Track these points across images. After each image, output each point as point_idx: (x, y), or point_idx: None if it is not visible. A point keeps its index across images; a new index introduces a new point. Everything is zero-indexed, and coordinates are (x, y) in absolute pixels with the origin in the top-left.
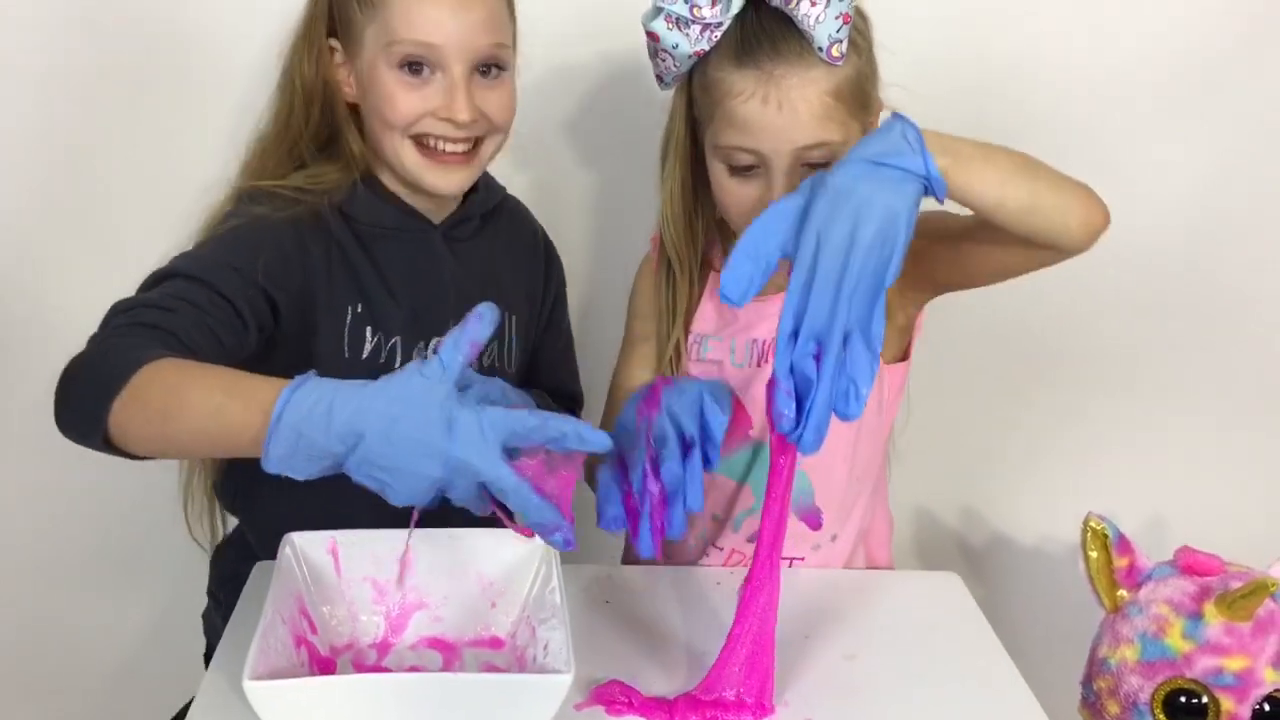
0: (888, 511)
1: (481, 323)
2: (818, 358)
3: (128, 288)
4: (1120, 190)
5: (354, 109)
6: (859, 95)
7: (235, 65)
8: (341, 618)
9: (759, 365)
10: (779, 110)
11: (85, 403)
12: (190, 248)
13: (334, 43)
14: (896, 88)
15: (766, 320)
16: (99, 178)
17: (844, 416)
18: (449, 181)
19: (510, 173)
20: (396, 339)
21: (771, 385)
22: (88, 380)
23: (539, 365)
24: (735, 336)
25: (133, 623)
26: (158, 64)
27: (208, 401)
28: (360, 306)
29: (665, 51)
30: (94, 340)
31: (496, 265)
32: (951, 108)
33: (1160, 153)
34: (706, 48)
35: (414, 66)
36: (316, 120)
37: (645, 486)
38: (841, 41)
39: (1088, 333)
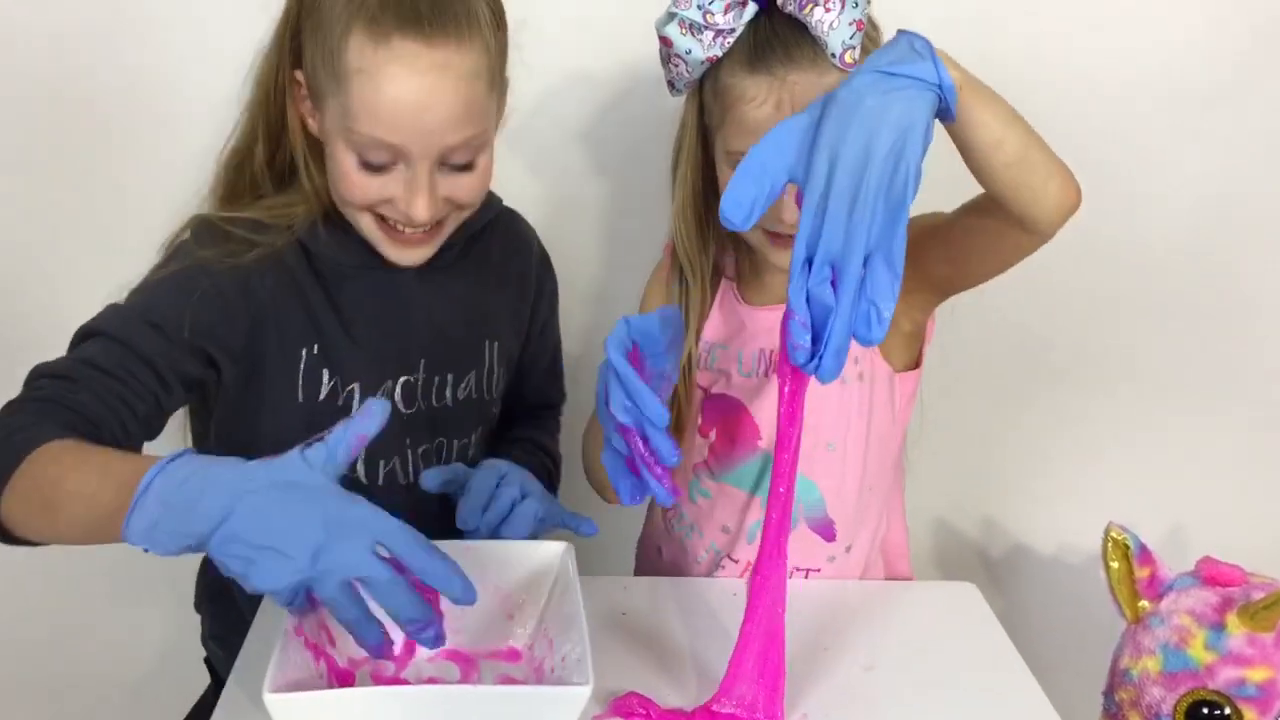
0: (904, 521)
1: (370, 419)
2: (835, 285)
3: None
4: (1136, 194)
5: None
6: None
7: (229, 72)
8: None
9: (766, 375)
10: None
11: None
12: (129, 291)
13: (299, 76)
14: None
15: (775, 329)
16: (98, 180)
17: (865, 341)
18: (409, 257)
19: (523, 180)
20: (355, 384)
21: (786, 317)
22: None
23: (525, 377)
24: (743, 346)
25: (151, 629)
26: (155, 64)
27: (83, 487)
28: (316, 348)
29: (678, 57)
30: (4, 410)
31: (480, 290)
32: None
33: (1163, 154)
34: (719, 54)
35: (374, 164)
36: (282, 147)
37: (627, 441)
38: (855, 48)
39: (1106, 340)
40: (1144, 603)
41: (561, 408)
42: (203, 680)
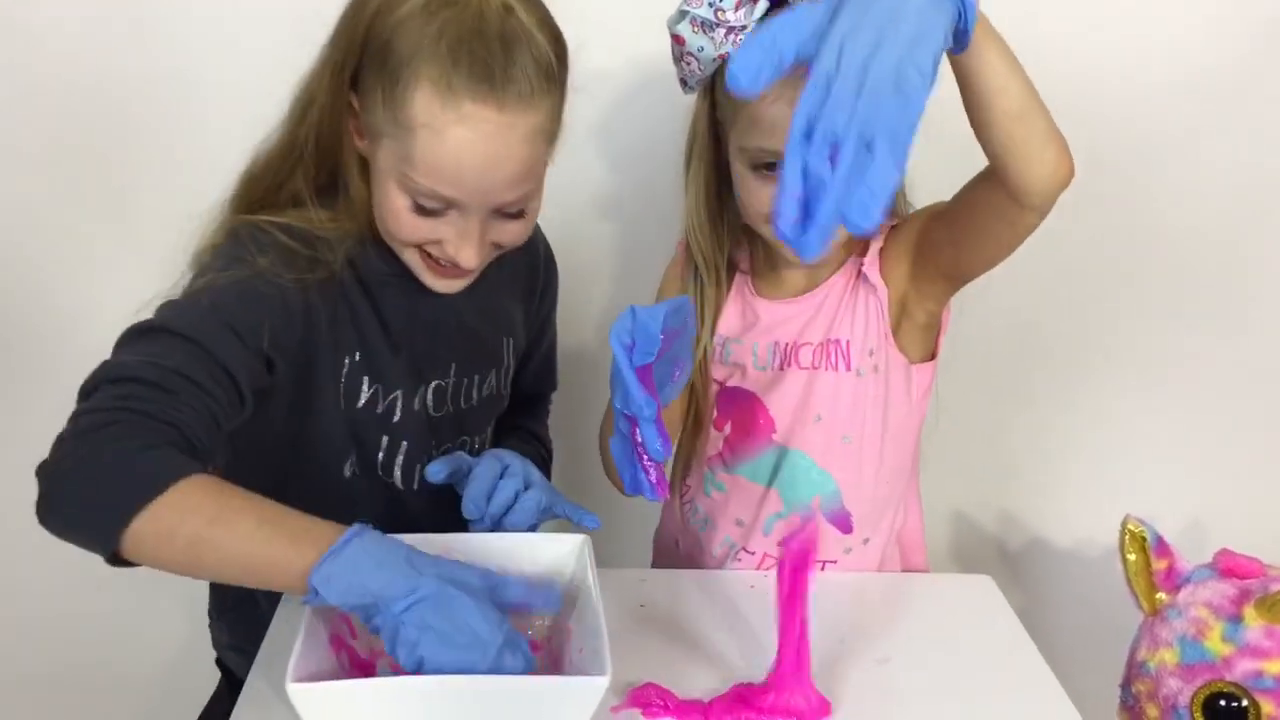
0: (921, 514)
1: (548, 601)
2: (833, 163)
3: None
4: (1152, 187)
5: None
6: None
7: (249, 73)
8: None
9: (781, 369)
10: None
11: (94, 516)
12: (179, 293)
13: (354, 99)
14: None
15: (789, 322)
16: (126, 179)
17: (855, 228)
18: (450, 287)
19: None
20: (398, 392)
21: (780, 190)
22: (96, 490)
23: (524, 368)
24: (758, 339)
25: (168, 627)
26: (170, 63)
27: (254, 535)
28: (358, 356)
29: (690, 55)
30: (86, 424)
31: (497, 290)
32: None
33: (1179, 147)
34: (731, 50)
35: (427, 209)
36: (323, 159)
37: (630, 435)
38: None
39: (1124, 333)
40: (1161, 595)
41: (551, 396)
42: (215, 678)
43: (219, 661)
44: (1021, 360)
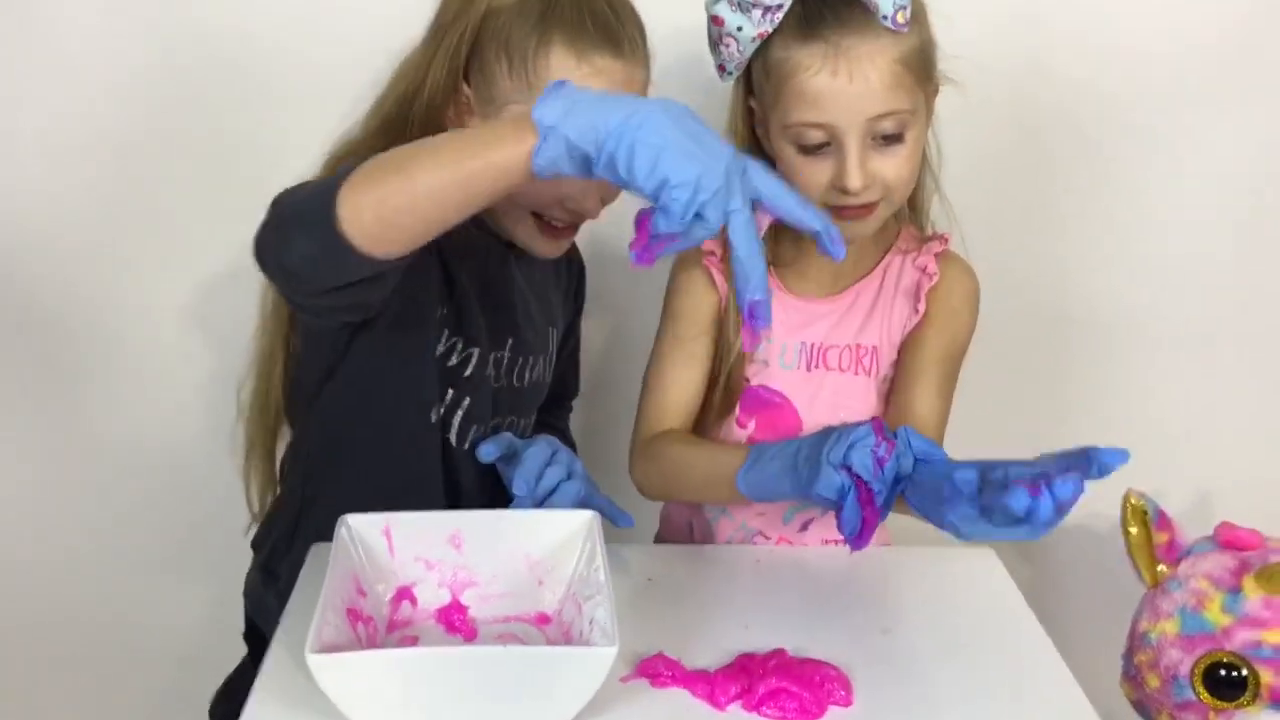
0: None
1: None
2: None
3: (190, 287)
4: (1164, 166)
5: None
6: (924, 63)
7: (298, 75)
8: (394, 596)
9: (808, 369)
10: (850, 81)
11: (308, 203)
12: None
13: (465, 89)
14: (958, 59)
15: (818, 322)
16: (164, 180)
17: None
18: (557, 249)
19: None
20: (474, 350)
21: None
22: (306, 192)
23: (554, 366)
24: (786, 339)
25: (190, 608)
26: (223, 69)
27: (443, 148)
28: (445, 310)
29: (729, 36)
30: (284, 202)
31: (549, 284)
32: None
33: (1205, 130)
34: (769, 29)
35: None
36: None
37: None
38: (905, 7)
39: (1127, 306)
40: (1163, 567)
41: (572, 403)
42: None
43: (246, 636)
44: (1024, 334)
